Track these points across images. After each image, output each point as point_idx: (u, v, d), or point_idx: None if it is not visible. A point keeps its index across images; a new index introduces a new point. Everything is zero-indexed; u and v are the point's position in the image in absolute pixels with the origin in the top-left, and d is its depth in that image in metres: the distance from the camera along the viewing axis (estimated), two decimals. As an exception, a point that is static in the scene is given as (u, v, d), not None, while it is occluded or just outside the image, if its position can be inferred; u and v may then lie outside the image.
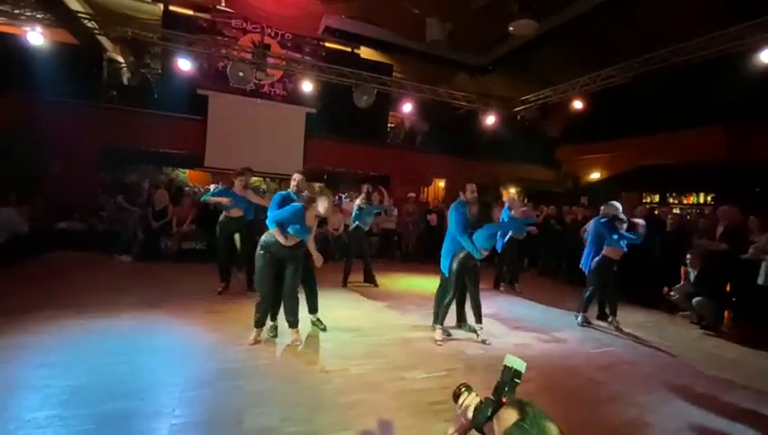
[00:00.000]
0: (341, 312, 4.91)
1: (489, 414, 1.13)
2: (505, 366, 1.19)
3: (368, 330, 4.32)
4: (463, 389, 1.26)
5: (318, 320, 4.25)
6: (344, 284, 6.26)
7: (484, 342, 4.11)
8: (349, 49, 10.68)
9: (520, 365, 1.19)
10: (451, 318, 4.42)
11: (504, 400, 1.14)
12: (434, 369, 3.39)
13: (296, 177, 4.24)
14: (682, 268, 5.89)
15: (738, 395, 3.29)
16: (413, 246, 9.40)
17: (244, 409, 2.57)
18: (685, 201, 10.26)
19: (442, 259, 4.23)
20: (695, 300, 5.23)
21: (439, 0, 7.40)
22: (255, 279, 3.86)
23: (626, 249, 4.87)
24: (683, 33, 6.56)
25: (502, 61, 9.34)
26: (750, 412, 3.01)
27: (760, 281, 5.05)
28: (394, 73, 10.78)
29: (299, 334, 3.83)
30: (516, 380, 1.18)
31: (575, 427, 2.53)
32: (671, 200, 10.42)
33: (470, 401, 1.22)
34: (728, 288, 5.59)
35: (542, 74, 9.60)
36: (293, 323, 3.80)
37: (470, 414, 1.18)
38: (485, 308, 5.36)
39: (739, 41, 5.98)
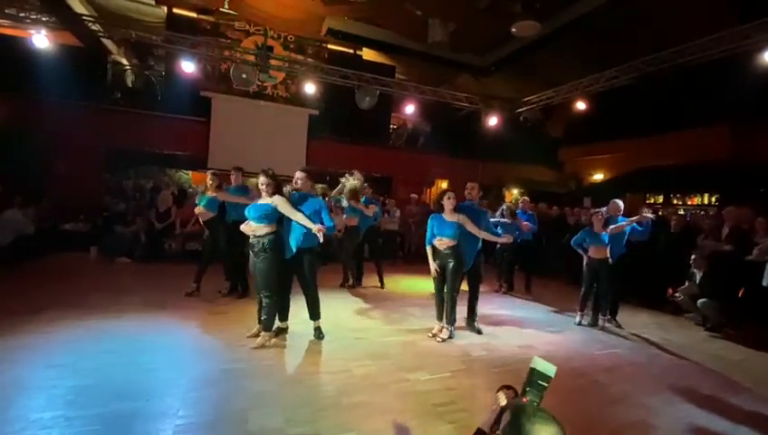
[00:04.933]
0: (344, 313, 4.91)
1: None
2: (531, 369, 1.17)
3: (371, 331, 4.33)
4: (504, 389, 1.27)
5: (318, 328, 4.01)
6: (359, 283, 6.45)
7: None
8: (351, 50, 10.72)
9: (545, 368, 1.15)
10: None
11: (525, 399, 1.16)
12: (438, 370, 3.38)
13: (298, 174, 3.98)
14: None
15: (743, 397, 3.27)
16: (416, 248, 9.41)
17: (249, 409, 2.58)
18: (689, 202, 10.20)
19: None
20: (699, 301, 5.20)
21: (442, 1, 7.41)
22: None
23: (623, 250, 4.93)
24: (687, 32, 6.52)
25: (504, 62, 9.34)
26: (755, 415, 2.98)
27: (765, 283, 5.01)
28: (396, 75, 10.80)
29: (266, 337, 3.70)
30: (541, 382, 1.15)
31: (580, 428, 2.52)
32: (675, 201, 10.35)
33: (502, 400, 1.24)
34: (741, 293, 5.53)
35: (544, 75, 9.58)
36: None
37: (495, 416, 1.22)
38: (487, 309, 5.37)
39: (744, 40, 5.94)
